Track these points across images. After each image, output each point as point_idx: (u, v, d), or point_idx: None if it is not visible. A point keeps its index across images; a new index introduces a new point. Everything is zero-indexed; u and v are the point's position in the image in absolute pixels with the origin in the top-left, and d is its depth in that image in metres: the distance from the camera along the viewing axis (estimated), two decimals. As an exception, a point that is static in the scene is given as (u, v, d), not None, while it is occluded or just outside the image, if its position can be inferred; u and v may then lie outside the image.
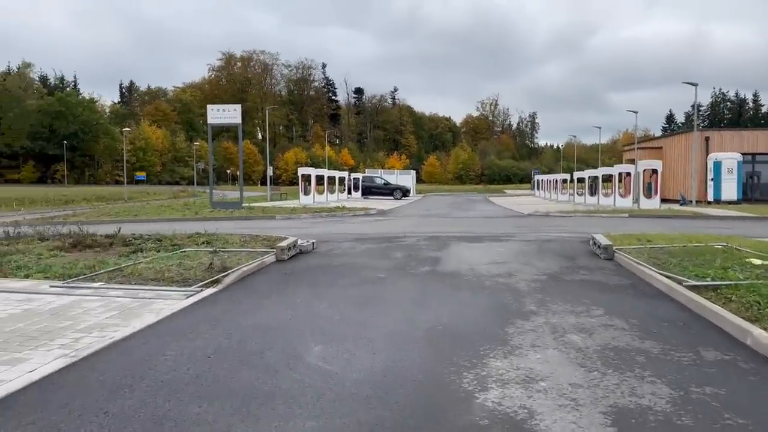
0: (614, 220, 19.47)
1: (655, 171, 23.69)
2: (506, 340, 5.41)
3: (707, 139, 29.80)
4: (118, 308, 6.76)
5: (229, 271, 8.67)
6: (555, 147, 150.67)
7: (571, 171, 62.17)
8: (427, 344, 5.30)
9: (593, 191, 31.22)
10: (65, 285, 7.90)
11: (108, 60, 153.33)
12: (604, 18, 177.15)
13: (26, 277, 8.64)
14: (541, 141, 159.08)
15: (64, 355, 5.05)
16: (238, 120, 23.60)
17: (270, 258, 10.27)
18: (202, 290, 7.69)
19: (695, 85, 26.65)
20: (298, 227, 17.51)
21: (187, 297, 7.31)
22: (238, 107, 23.99)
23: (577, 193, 33.79)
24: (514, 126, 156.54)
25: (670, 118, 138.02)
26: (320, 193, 32.42)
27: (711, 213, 21.06)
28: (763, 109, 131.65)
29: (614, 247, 10.04)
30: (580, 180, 33.36)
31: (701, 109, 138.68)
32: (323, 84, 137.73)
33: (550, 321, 6.07)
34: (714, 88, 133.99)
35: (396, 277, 8.64)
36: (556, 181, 40.62)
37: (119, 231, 12.31)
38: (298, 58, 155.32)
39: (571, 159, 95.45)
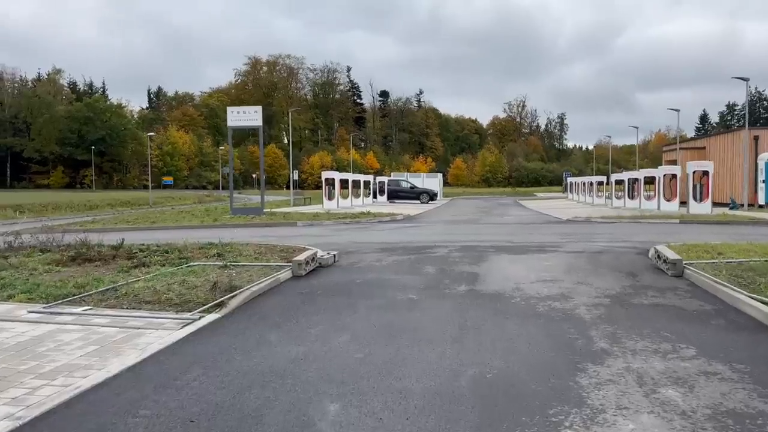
0: (665, 226, 17.83)
1: (706, 173, 21.91)
2: (582, 397, 4.09)
3: (756, 138, 27.80)
4: (98, 342, 5.63)
5: (237, 292, 7.51)
6: (584, 148, 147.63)
7: (604, 173, 60.11)
8: (477, 404, 4.02)
9: (631, 194, 29.47)
10: (45, 310, 6.82)
11: (136, 66, 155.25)
12: (630, 17, 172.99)
13: (9, 298, 7.60)
14: (570, 143, 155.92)
15: (7, 416, 3.91)
16: (259, 122, 22.58)
17: (285, 274, 9.09)
18: (202, 317, 6.54)
19: (746, 80, 24.83)
20: (320, 235, 16.35)
21: (183, 326, 6.15)
22: (259, 109, 22.96)
23: (616, 197, 32.04)
24: (542, 127, 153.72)
25: (704, 119, 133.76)
26: (344, 197, 31.29)
27: (771, 219, 19.19)
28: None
29: (683, 262, 8.60)
30: (618, 182, 31.61)
31: (736, 108, 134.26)
32: (348, 87, 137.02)
33: (632, 366, 4.74)
34: (749, 87, 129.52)
35: (429, 300, 7.37)
36: (591, 183, 38.78)
37: (122, 242, 11.27)
38: (323, 62, 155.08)
39: (601, 160, 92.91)
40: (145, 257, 10.41)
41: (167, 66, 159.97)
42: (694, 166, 22.38)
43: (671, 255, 8.69)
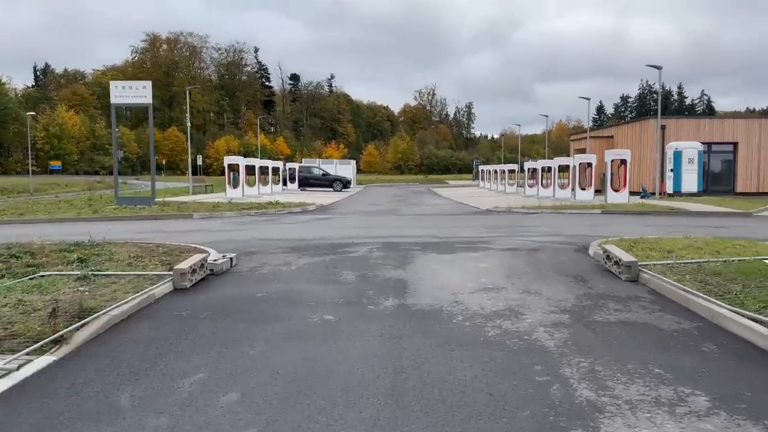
0: (589, 217, 17.21)
1: (623, 161, 21.79)
2: None
3: (663, 127, 28.38)
4: None
5: (89, 319, 5.53)
6: (489, 137, 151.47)
7: (510, 161, 60.96)
8: None
9: (544, 183, 29.31)
10: None
11: (20, 41, 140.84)
12: (527, 11, 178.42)
13: None
14: (477, 131, 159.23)
15: None
16: (149, 99, 19.78)
17: (164, 287, 7.14)
18: (29, 361, 4.56)
19: (659, 68, 25.04)
20: (218, 230, 14.26)
21: (-12, 384, 4.15)
22: (148, 84, 20.14)
23: (528, 185, 31.84)
24: (451, 116, 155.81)
25: (600, 110, 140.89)
26: (251, 185, 28.90)
27: (690, 208, 19.00)
28: (687, 101, 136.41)
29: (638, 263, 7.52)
30: (532, 170, 31.42)
31: (629, 100, 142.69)
32: (256, 69, 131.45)
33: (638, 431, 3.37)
34: (642, 80, 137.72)
35: (351, 322, 5.74)
36: (503, 171, 38.60)
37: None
38: (229, 41, 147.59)
39: (506, 149, 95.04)
40: (-22, 266, 8.04)
41: (56, 42, 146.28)
42: (612, 154, 22.19)
43: (625, 257, 7.58)
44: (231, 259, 8.84)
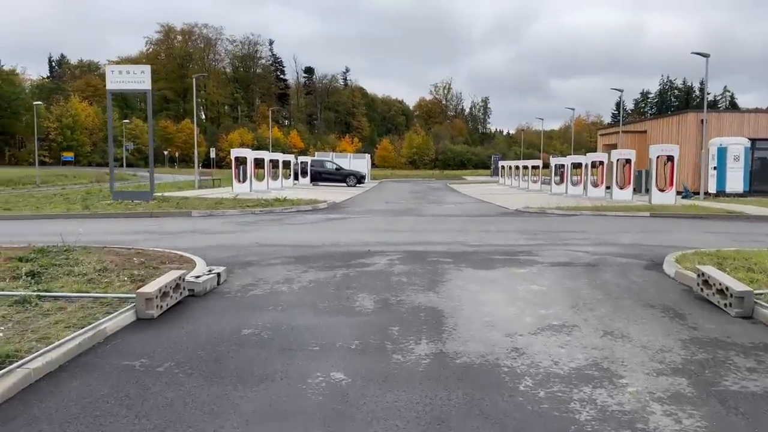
0: (638, 221, 15.13)
1: (670, 158, 19.70)
2: None
3: (703, 122, 26.20)
4: None
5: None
6: (505, 133, 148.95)
7: (527, 157, 58.80)
8: None
9: (573, 180, 27.31)
10: None
11: (38, 32, 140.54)
12: (542, 4, 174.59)
13: None
14: (492, 127, 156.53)
15: None
16: (147, 85, 18.07)
17: (122, 318, 5.41)
18: None
19: (707, 56, 22.82)
20: (217, 231, 12.53)
21: None
22: (147, 69, 18.44)
23: (555, 182, 29.82)
24: (467, 111, 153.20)
25: (619, 105, 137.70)
26: (260, 179, 27.18)
27: (748, 211, 16.71)
28: (709, 97, 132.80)
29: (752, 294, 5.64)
30: (559, 167, 29.40)
31: (649, 96, 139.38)
32: (271, 62, 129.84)
33: None
34: (662, 76, 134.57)
35: (368, 389, 3.94)
36: (525, 167, 36.56)
37: None
38: (244, 33, 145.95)
39: (523, 144, 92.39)
40: None
41: (72, 33, 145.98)
42: (658, 150, 20.07)
43: (735, 285, 5.70)
44: (218, 275, 7.09)
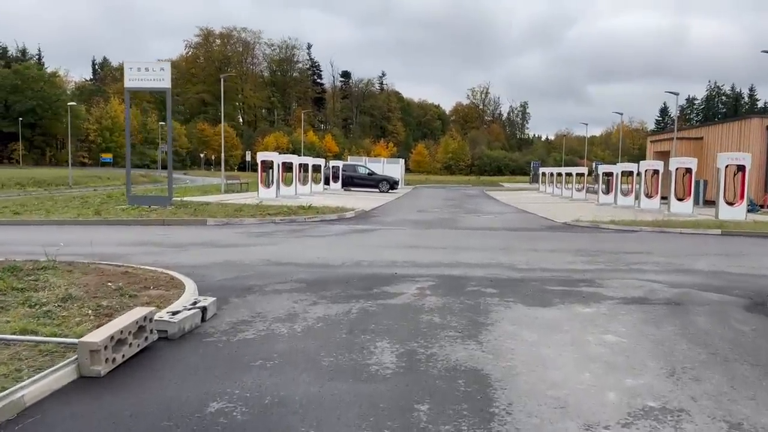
0: (709, 240, 13.12)
1: (741, 168, 17.58)
2: None
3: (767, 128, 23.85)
4: None
5: None
6: (543, 138, 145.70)
7: (568, 164, 56.45)
8: None
9: (616, 189, 25.22)
10: None
11: (82, 37, 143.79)
12: (581, 9, 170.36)
13: None
14: (530, 132, 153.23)
15: None
16: (167, 84, 16.98)
17: (57, 377, 3.99)
18: None
19: (779, 54, 20.60)
20: (228, 245, 11.16)
21: None
22: (166, 65, 17.31)
23: (602, 192, 27.75)
24: (504, 116, 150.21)
25: (664, 111, 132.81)
26: (288, 184, 25.92)
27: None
28: (759, 104, 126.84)
29: None
30: (607, 174, 27.34)
31: (695, 103, 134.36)
32: (308, 66, 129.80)
33: None
34: (709, 82, 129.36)
35: None
36: (569, 175, 34.44)
37: None
38: (281, 37, 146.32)
39: (561, 151, 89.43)
40: None
41: (114, 37, 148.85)
42: (726, 158, 17.91)
43: None
44: (204, 309, 5.65)
